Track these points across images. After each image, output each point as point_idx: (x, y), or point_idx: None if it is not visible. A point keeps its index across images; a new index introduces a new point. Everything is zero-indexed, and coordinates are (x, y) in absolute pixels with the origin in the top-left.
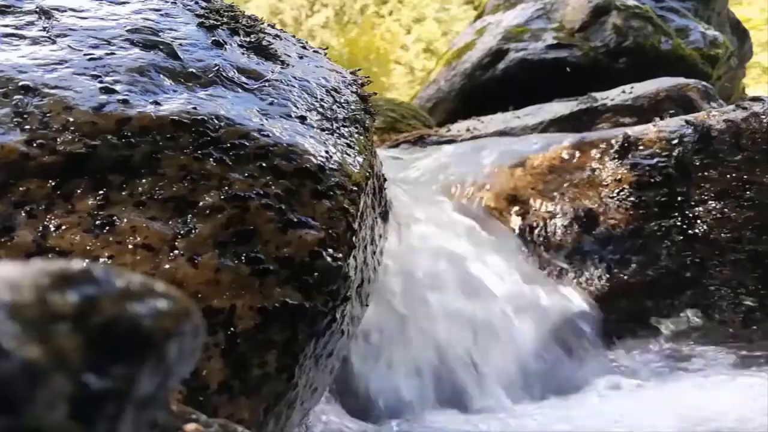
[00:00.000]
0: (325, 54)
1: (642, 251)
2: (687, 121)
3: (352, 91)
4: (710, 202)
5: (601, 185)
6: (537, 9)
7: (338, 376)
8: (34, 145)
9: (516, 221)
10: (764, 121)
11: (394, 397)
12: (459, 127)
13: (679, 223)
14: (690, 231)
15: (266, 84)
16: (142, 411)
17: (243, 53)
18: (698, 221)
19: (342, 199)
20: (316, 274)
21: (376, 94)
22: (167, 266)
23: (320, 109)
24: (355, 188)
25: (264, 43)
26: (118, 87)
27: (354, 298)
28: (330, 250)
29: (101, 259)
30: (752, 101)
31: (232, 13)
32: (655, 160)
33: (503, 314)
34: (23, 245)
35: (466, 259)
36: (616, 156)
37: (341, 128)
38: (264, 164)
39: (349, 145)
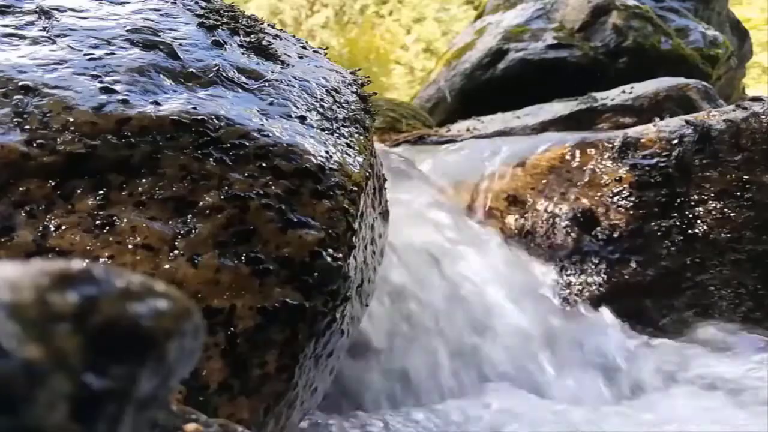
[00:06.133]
0: (325, 54)
1: (642, 251)
2: (687, 121)
3: (352, 91)
4: (710, 202)
5: (601, 185)
6: (537, 9)
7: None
8: (34, 145)
9: (516, 221)
10: (764, 121)
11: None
12: (459, 127)
13: (679, 223)
14: (690, 231)
15: (266, 84)
16: (143, 411)
17: (243, 53)
18: (698, 221)
19: (342, 199)
20: (316, 274)
21: (376, 94)
22: (167, 266)
23: (320, 109)
24: (355, 188)
25: (264, 43)
26: (118, 87)
27: (354, 298)
28: (330, 250)
29: (101, 259)
30: (752, 101)
31: (232, 13)
32: (655, 160)
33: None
34: (23, 245)
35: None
36: (616, 156)
37: (341, 128)
38: (264, 164)
39: (349, 145)
